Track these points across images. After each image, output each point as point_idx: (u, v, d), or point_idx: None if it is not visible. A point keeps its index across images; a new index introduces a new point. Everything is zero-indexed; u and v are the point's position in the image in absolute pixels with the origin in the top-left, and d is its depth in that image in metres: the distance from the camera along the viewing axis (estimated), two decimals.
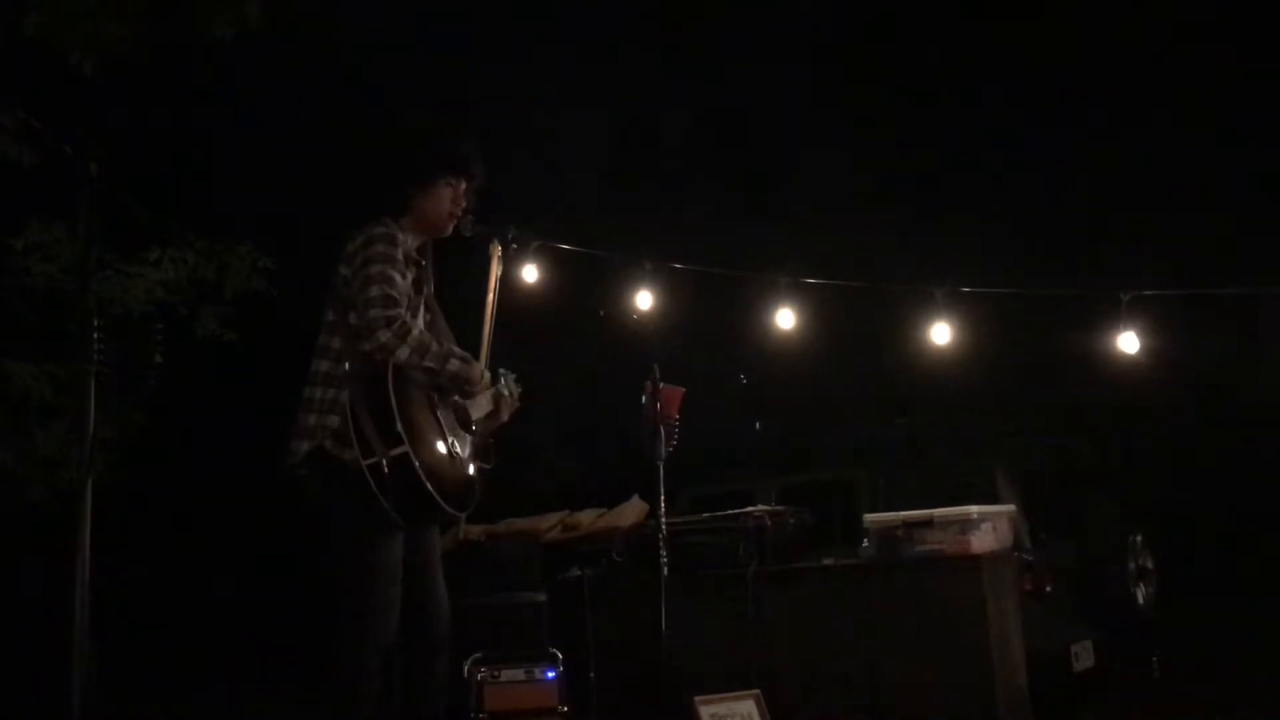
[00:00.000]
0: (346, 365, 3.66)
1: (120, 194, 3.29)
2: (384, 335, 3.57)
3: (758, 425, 7.52)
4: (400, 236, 3.82)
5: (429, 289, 4.04)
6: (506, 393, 4.08)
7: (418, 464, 3.48)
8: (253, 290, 7.56)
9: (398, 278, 3.70)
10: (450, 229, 4.01)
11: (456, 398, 3.84)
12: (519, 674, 5.35)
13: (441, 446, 3.67)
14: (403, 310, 3.64)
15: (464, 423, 3.85)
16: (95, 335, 3.08)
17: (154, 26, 5.90)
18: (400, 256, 3.75)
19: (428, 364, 3.65)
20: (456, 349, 3.81)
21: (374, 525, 3.59)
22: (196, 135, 9.32)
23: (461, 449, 3.77)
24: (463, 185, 3.97)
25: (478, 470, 3.83)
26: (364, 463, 3.47)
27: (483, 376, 3.86)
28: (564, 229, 5.88)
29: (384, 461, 3.47)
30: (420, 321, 3.91)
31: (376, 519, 3.55)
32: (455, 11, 9.82)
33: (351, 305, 3.70)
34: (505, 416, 4.05)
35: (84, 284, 3.15)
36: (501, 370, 4.15)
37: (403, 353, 3.59)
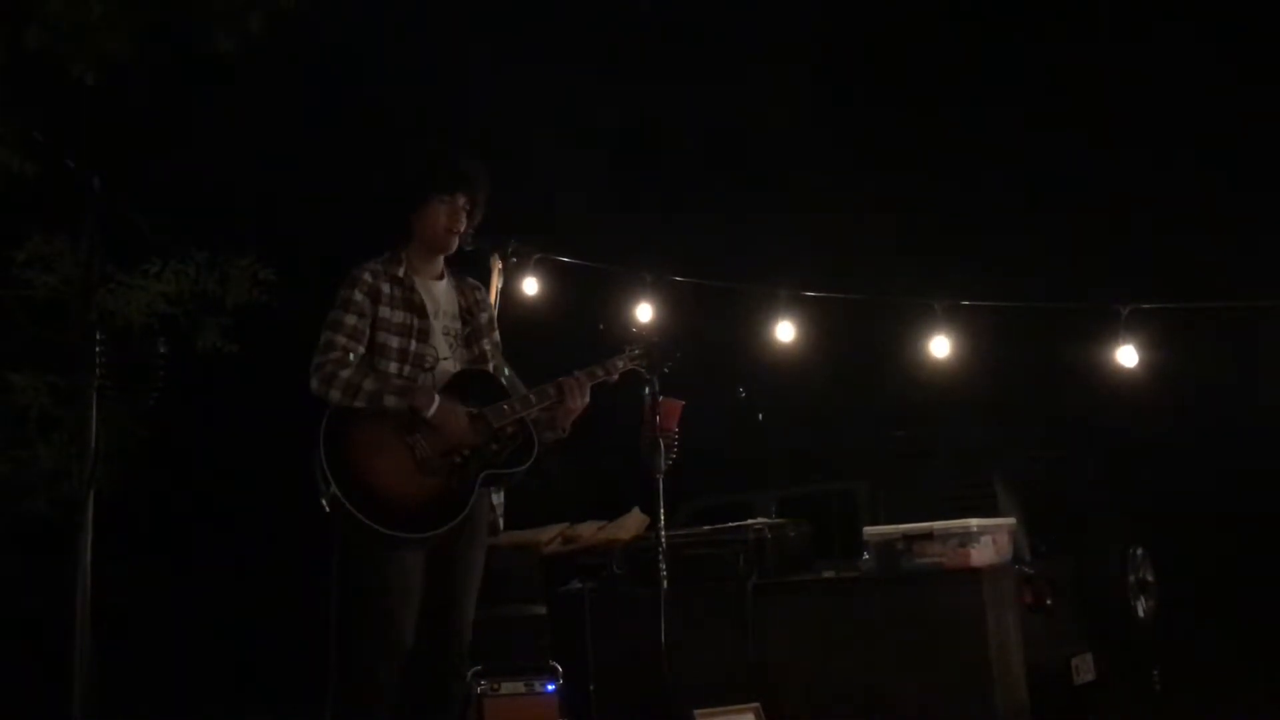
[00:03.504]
0: None
1: (122, 206, 3.30)
2: (313, 382, 3.73)
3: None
4: (373, 271, 3.87)
5: (465, 301, 4.05)
6: (604, 372, 4.07)
7: (348, 502, 3.58)
8: (254, 302, 7.57)
9: (349, 319, 3.80)
10: (454, 245, 4.01)
11: (472, 409, 3.83)
12: (519, 687, 5.33)
13: (402, 471, 3.69)
14: (336, 353, 3.74)
15: (483, 431, 3.81)
16: (97, 349, 3.08)
17: (156, 38, 5.92)
18: (358, 296, 3.82)
19: (358, 404, 3.71)
20: (394, 383, 3.78)
21: (379, 541, 3.63)
22: (198, 147, 9.33)
23: (451, 462, 3.75)
24: (459, 199, 3.97)
25: (468, 483, 3.79)
26: (321, 499, 3.64)
27: (431, 403, 3.73)
28: (564, 242, 5.89)
29: (324, 501, 3.63)
30: (440, 343, 3.91)
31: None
32: (456, 24, 9.84)
33: None
34: (579, 402, 3.95)
35: (87, 297, 3.16)
36: (629, 346, 4.19)
37: (333, 395, 3.70)
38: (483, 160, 4.07)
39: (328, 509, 3.62)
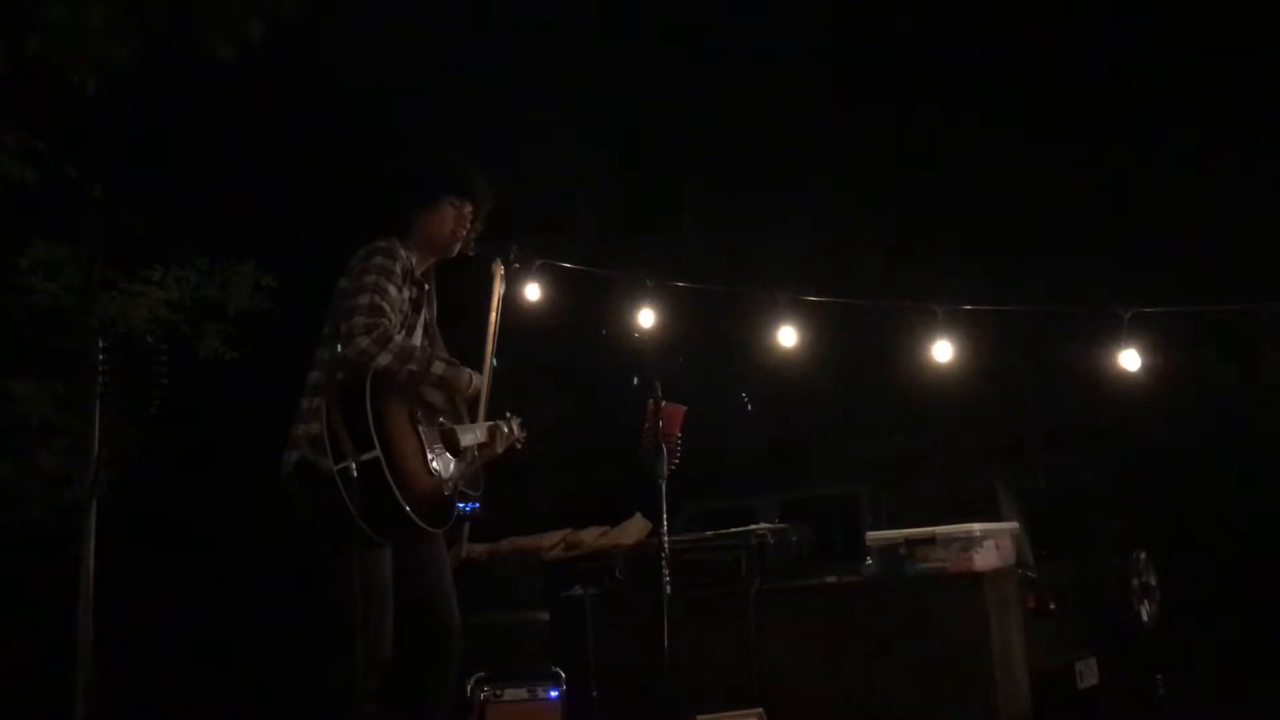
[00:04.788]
0: (339, 375, 3.66)
1: (123, 213, 3.30)
2: (363, 341, 3.57)
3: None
4: (403, 253, 3.83)
5: (430, 313, 4.06)
6: (506, 429, 4.14)
7: (388, 470, 3.47)
8: (256, 308, 7.56)
9: (391, 289, 3.72)
10: (455, 250, 4.03)
11: (443, 421, 3.85)
12: (522, 693, 5.34)
13: (419, 459, 3.67)
14: (386, 320, 3.65)
15: (451, 446, 3.86)
16: (100, 356, 3.09)
17: (157, 46, 5.92)
18: (398, 270, 3.77)
19: (410, 367, 3.65)
20: (442, 354, 3.83)
21: (360, 539, 3.58)
22: (199, 154, 9.34)
23: (443, 468, 3.78)
24: (468, 207, 3.99)
25: (456, 493, 3.82)
26: (335, 467, 3.45)
27: (471, 382, 3.87)
28: (566, 247, 5.90)
29: (353, 465, 3.45)
30: (417, 341, 3.93)
31: (359, 532, 3.54)
32: (455, 28, 9.86)
33: (343, 315, 3.71)
34: (500, 449, 4.08)
35: (88, 304, 3.16)
36: (508, 414, 4.21)
37: (383, 358, 3.58)
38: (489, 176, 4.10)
39: (355, 474, 3.43)
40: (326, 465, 3.51)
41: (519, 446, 4.25)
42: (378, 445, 3.47)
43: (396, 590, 3.72)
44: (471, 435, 3.95)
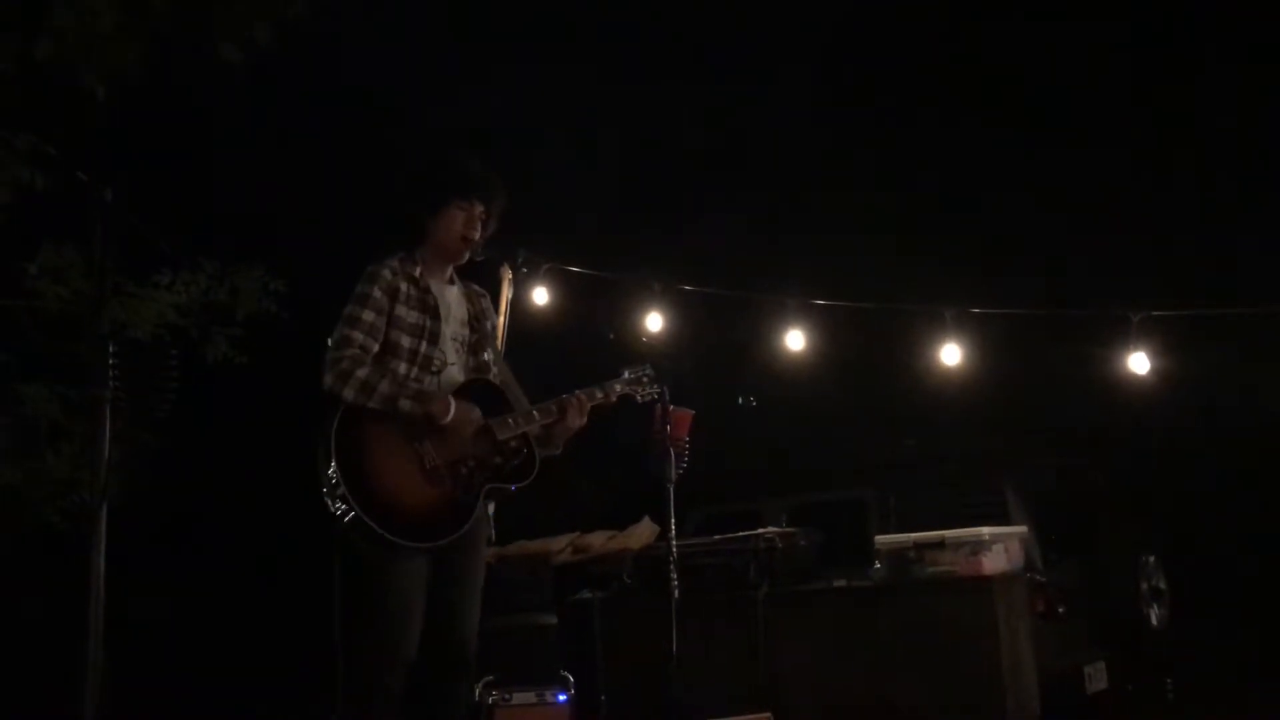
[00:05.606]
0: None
1: (132, 217, 3.30)
2: (327, 379, 3.67)
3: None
4: (386, 273, 3.84)
5: (475, 308, 4.06)
6: (603, 394, 4.09)
7: (357, 507, 3.54)
8: (264, 313, 7.57)
9: (366, 315, 3.76)
10: (467, 253, 4.01)
11: (478, 416, 3.84)
12: (530, 697, 5.34)
13: (408, 475, 3.68)
14: (352, 350, 3.70)
15: (485, 442, 3.83)
16: (109, 360, 3.09)
17: (166, 50, 5.94)
18: (376, 292, 3.79)
19: (372, 405, 3.67)
20: (410, 387, 3.77)
21: (384, 548, 3.62)
22: (209, 158, 9.36)
23: (457, 472, 3.76)
24: (477, 207, 3.97)
25: (473, 494, 3.81)
26: (327, 500, 3.59)
27: (448, 410, 3.75)
28: (574, 251, 5.90)
29: (330, 502, 3.58)
30: (449, 348, 3.92)
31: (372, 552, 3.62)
32: (465, 33, 9.88)
33: None
34: (574, 424, 4.00)
35: (98, 309, 3.16)
36: (625, 371, 4.19)
37: (347, 394, 3.65)
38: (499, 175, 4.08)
39: (334, 511, 3.58)
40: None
41: (640, 399, 4.23)
42: (343, 483, 3.55)
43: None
44: (514, 425, 3.89)
